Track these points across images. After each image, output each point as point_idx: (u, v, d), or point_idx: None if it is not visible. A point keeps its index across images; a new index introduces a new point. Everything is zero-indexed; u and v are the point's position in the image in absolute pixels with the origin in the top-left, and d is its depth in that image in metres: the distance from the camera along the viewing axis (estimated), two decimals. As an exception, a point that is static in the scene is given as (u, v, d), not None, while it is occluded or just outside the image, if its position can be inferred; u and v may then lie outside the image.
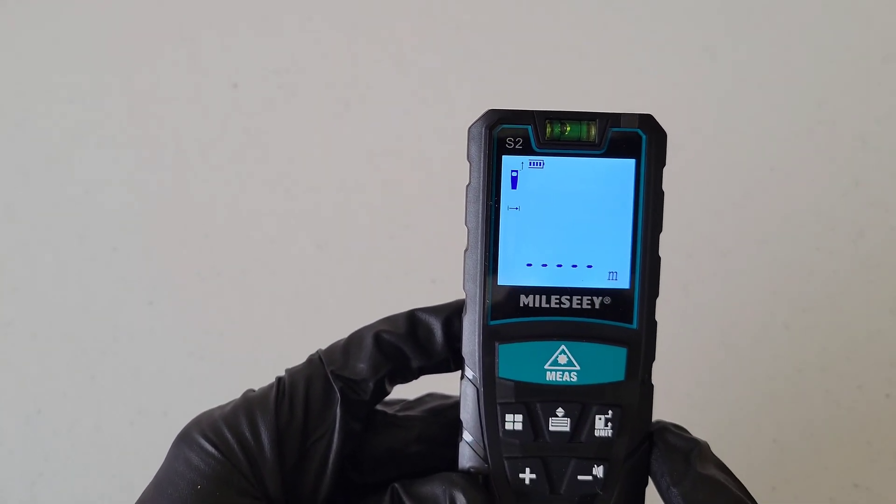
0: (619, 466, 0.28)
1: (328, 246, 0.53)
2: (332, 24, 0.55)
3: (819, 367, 0.50)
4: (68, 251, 0.54)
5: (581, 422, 0.28)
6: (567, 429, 0.28)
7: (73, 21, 0.56)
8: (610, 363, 0.28)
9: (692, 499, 0.26)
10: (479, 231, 0.28)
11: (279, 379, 0.30)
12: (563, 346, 0.28)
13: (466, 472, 0.28)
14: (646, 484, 0.29)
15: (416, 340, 0.30)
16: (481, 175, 0.27)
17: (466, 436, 0.28)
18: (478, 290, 0.28)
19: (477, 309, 0.28)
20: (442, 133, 0.54)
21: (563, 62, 0.55)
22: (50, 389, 0.52)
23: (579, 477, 0.28)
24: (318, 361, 0.30)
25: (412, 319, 0.30)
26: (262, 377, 0.31)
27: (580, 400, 0.28)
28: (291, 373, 0.30)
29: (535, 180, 0.27)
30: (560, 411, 0.28)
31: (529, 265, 0.28)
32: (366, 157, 0.54)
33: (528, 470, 0.28)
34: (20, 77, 0.56)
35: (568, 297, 0.28)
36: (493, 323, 0.28)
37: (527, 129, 0.27)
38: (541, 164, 0.27)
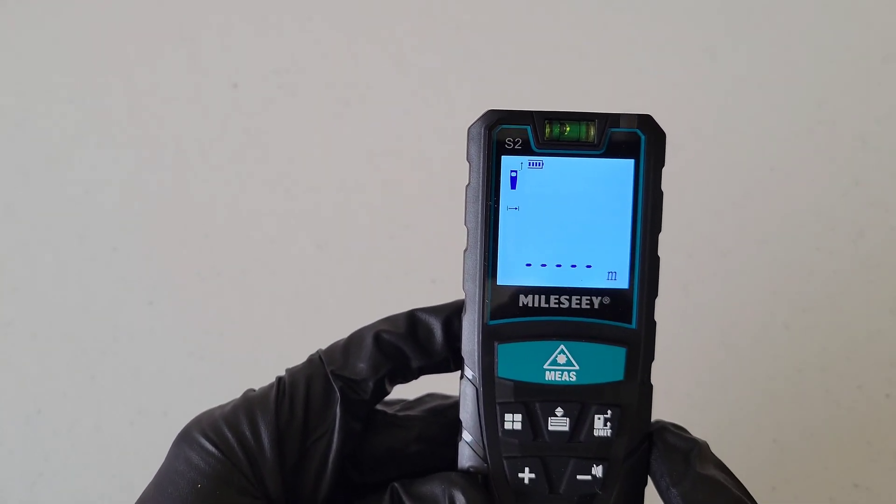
0: (618, 466, 0.28)
1: (328, 246, 0.53)
2: (332, 24, 0.55)
3: (819, 367, 0.50)
4: (68, 251, 0.54)
5: (580, 421, 0.28)
6: (566, 428, 0.28)
7: (73, 21, 0.56)
8: (609, 363, 0.28)
9: (692, 499, 0.26)
10: (479, 231, 0.28)
11: (279, 379, 0.30)
12: (562, 346, 0.28)
13: (466, 472, 0.28)
14: (645, 484, 0.29)
15: (415, 340, 0.30)
16: (481, 175, 0.27)
17: (466, 435, 0.28)
18: (477, 290, 0.28)
19: (476, 309, 0.28)
20: (442, 133, 0.54)
21: (563, 62, 0.55)
22: (50, 389, 0.52)
23: (578, 476, 0.28)
24: (318, 361, 0.30)
25: (412, 319, 0.30)
26: (262, 377, 0.31)
27: (579, 400, 0.28)
28: (292, 372, 0.30)
29: (535, 180, 0.27)
30: (559, 411, 0.28)
31: (529, 265, 0.28)
32: (366, 157, 0.54)
33: (527, 469, 0.28)
34: (20, 77, 0.56)
35: (567, 297, 0.28)
36: (492, 323, 0.28)
37: (526, 130, 0.27)
38: (540, 165, 0.27)
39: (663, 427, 0.28)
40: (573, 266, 0.28)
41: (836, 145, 0.53)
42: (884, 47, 0.53)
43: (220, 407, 0.30)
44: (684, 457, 0.27)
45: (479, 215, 0.28)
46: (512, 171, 0.27)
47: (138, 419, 0.52)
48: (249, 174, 0.54)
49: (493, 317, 0.28)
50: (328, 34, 0.55)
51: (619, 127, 0.27)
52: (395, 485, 0.28)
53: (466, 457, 0.28)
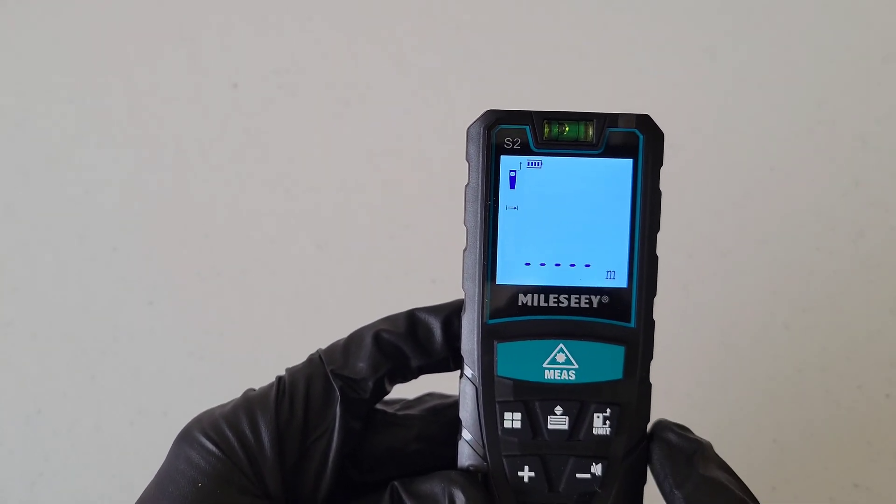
0: (617, 465, 0.28)
1: (328, 246, 0.53)
2: (332, 24, 0.56)
3: (819, 367, 0.50)
4: (68, 251, 0.54)
5: (579, 420, 0.28)
6: (565, 427, 0.28)
7: (73, 21, 0.56)
8: (608, 362, 0.28)
9: (695, 501, 0.26)
10: (478, 231, 0.28)
11: (279, 378, 0.30)
12: (561, 345, 0.28)
13: (465, 471, 0.28)
14: (644, 482, 0.29)
15: (415, 340, 0.30)
16: (480, 175, 0.28)
17: (465, 434, 0.28)
18: (477, 290, 0.28)
19: (476, 308, 0.28)
20: (442, 133, 0.54)
21: (563, 62, 0.55)
22: (50, 389, 0.52)
23: (578, 475, 0.28)
24: (318, 361, 0.30)
25: (412, 319, 0.30)
26: (262, 377, 0.31)
27: (578, 398, 0.28)
28: (292, 372, 0.30)
29: (534, 180, 0.28)
30: (558, 409, 0.28)
31: (528, 264, 0.28)
32: (366, 157, 0.54)
33: (526, 468, 0.28)
34: (20, 77, 0.56)
35: (566, 296, 0.28)
36: (491, 322, 0.28)
37: (525, 130, 0.27)
38: (539, 164, 0.28)
39: (666, 427, 0.28)
40: (572, 265, 0.28)
41: (836, 145, 0.53)
42: (884, 47, 0.53)
43: (221, 406, 0.30)
44: (687, 458, 0.27)
45: (479, 215, 0.28)
46: (511, 171, 0.28)
47: (138, 419, 0.52)
48: (249, 174, 0.54)
49: (492, 316, 0.28)
50: (328, 34, 0.55)
51: (617, 127, 0.27)
52: (395, 484, 0.28)
53: (466, 455, 0.28)
